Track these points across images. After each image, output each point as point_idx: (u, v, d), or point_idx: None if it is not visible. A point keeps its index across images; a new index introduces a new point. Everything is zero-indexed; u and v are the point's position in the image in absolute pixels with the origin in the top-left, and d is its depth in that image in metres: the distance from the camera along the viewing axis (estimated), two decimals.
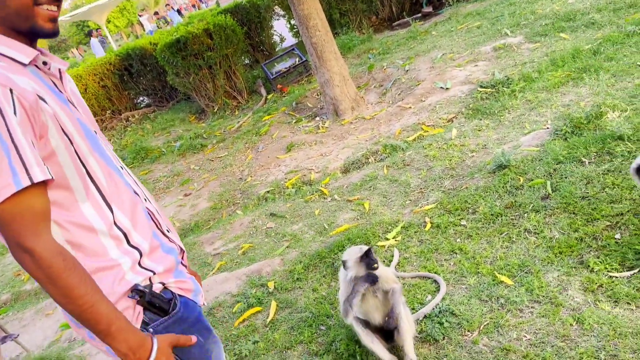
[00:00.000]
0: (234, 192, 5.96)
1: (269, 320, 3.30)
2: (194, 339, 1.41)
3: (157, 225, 1.50)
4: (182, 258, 1.60)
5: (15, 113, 1.15)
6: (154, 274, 1.41)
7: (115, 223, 1.36)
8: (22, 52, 1.27)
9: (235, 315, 3.50)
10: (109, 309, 1.22)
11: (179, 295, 1.46)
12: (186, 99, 10.89)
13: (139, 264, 1.39)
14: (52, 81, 1.36)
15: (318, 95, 7.67)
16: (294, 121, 7.25)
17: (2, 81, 1.16)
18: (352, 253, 2.55)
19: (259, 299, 3.53)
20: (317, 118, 7.04)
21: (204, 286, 3.83)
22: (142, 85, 11.45)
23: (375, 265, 2.49)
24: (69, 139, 1.28)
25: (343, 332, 2.87)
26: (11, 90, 1.16)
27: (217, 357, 1.55)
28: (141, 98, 12.16)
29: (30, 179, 1.15)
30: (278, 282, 3.65)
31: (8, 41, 1.26)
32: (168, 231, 1.56)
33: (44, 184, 1.20)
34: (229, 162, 6.86)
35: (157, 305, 1.37)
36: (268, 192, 5.47)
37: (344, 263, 2.54)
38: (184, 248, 1.62)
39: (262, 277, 3.77)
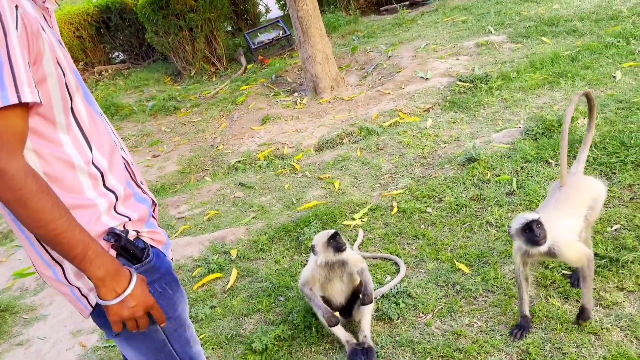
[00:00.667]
0: (204, 158, 5.90)
1: (228, 286, 3.31)
2: (163, 323, 1.40)
3: (131, 176, 1.49)
4: (154, 211, 1.59)
5: (17, 27, 1.11)
6: (129, 220, 1.40)
7: (93, 162, 1.33)
8: None
9: (194, 279, 3.50)
10: (84, 234, 1.20)
11: (151, 245, 1.45)
12: (163, 59, 10.64)
13: (115, 208, 1.37)
14: (44, 17, 1.33)
15: (299, 71, 7.61)
16: (272, 94, 7.19)
17: None
18: (320, 238, 2.58)
19: (220, 265, 3.53)
20: (296, 94, 7.00)
21: None
22: (119, 41, 11.12)
23: (343, 247, 2.53)
24: (62, 71, 1.26)
25: (301, 304, 2.91)
26: (17, 7, 1.13)
27: (183, 310, 1.55)
28: (116, 53, 11.81)
29: (19, 97, 1.10)
30: (241, 251, 3.65)
31: None
32: (142, 183, 1.55)
33: (27, 106, 1.17)
34: (201, 128, 6.77)
35: (131, 251, 1.36)
36: (239, 161, 5.44)
37: (312, 248, 2.56)
38: (156, 201, 1.61)
39: (226, 245, 3.77)
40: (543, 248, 2.26)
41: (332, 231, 2.55)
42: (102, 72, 10.84)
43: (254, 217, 4.13)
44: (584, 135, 2.69)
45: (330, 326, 2.56)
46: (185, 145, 6.42)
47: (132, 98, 8.80)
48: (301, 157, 5.11)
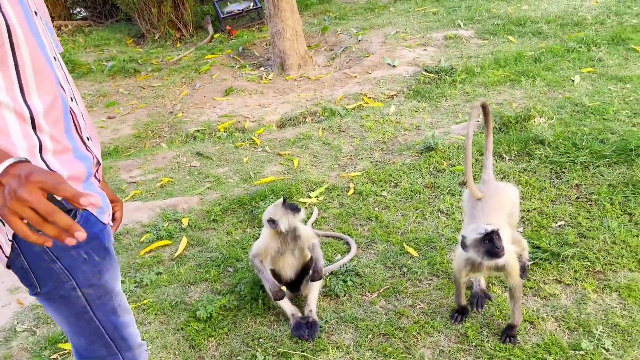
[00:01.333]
0: (161, 124, 5.75)
1: (176, 254, 3.26)
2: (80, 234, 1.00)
3: (77, 129, 1.41)
4: (97, 171, 1.52)
5: None
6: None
7: (25, 99, 1.24)
8: None
9: (142, 244, 3.42)
10: None
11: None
12: (127, 19, 10.25)
13: (42, 158, 1.27)
14: None
15: (267, 46, 7.50)
16: (238, 66, 7.06)
17: None
18: (275, 207, 2.57)
19: (170, 232, 3.47)
20: (262, 68, 6.89)
21: None
22: None
23: (298, 207, 2.53)
24: (5, 19, 1.17)
25: (249, 275, 2.89)
26: None
27: (111, 278, 1.49)
28: (78, 9, 11.30)
29: None
30: (193, 220, 3.60)
31: None
32: (88, 139, 1.46)
33: None
34: (161, 94, 6.58)
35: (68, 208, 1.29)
36: (198, 131, 5.33)
37: (270, 219, 2.54)
38: (101, 161, 1.52)
39: (177, 213, 3.70)
40: (501, 261, 2.19)
41: (280, 199, 2.58)
42: (62, 27, 10.36)
43: (208, 188, 4.07)
44: (484, 143, 2.66)
45: (276, 299, 2.56)
46: (143, 109, 6.23)
47: (91, 57, 8.46)
48: (262, 132, 5.05)
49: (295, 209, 2.54)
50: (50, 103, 1.30)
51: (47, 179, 0.96)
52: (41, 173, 0.97)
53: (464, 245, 2.21)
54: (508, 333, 2.35)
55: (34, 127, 1.26)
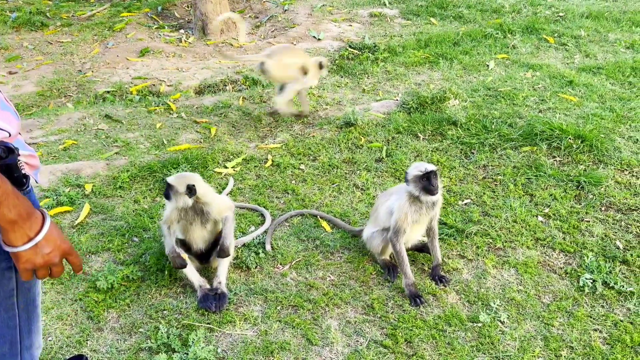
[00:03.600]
0: (68, 83, 5.34)
1: (77, 222, 3.05)
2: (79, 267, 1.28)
3: None
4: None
5: None
6: (9, 135, 1.15)
7: None
8: None
9: None
10: None
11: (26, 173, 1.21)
12: None
13: None
14: None
15: (188, 8, 7.15)
16: (156, 27, 6.68)
17: None
18: (177, 182, 2.44)
19: (71, 199, 3.24)
20: (182, 31, 6.57)
21: None
22: None
23: (193, 193, 2.42)
24: None
25: (156, 246, 2.77)
26: None
27: None
28: None
29: None
30: (97, 187, 3.38)
31: None
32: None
33: None
34: (70, 50, 6.10)
35: (15, 175, 1.12)
36: (108, 92, 5.01)
37: (165, 192, 2.43)
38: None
39: (81, 178, 3.46)
40: (434, 198, 2.46)
41: (189, 179, 2.46)
42: None
43: (116, 153, 3.84)
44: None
45: (175, 268, 2.49)
46: (48, 65, 5.75)
47: None
48: (179, 97, 4.83)
49: (191, 193, 2.41)
50: None
51: (71, 252, 1.22)
52: (66, 245, 1.20)
53: (406, 180, 2.50)
54: (437, 274, 2.59)
55: None
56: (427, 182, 2.42)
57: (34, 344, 1.45)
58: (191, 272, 2.52)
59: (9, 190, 1.05)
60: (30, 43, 6.42)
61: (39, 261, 1.13)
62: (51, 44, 6.38)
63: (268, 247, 2.81)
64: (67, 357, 2.13)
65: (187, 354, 2.14)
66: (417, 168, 2.47)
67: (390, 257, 2.71)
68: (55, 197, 3.23)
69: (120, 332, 2.32)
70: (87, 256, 2.79)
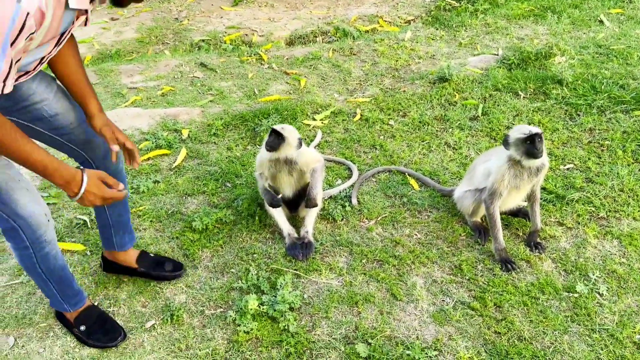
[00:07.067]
0: (166, 30, 5.51)
1: (175, 165, 3.20)
2: (121, 186, 1.70)
3: None
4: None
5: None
6: None
7: None
8: None
9: (140, 152, 3.35)
10: (42, 156, 1.52)
11: None
12: None
13: None
14: None
15: None
16: None
17: None
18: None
19: (169, 142, 3.39)
20: None
21: (113, 116, 3.61)
22: None
23: (275, 147, 2.45)
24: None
25: (248, 192, 2.85)
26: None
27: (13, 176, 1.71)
28: None
29: None
30: (193, 132, 3.51)
31: None
32: None
33: None
34: None
35: None
36: (203, 40, 5.12)
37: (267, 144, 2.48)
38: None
39: (178, 123, 3.61)
40: (537, 162, 2.33)
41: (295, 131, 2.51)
42: None
43: (211, 101, 3.95)
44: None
45: (271, 206, 2.54)
46: (147, 13, 5.96)
47: None
48: (270, 47, 4.85)
49: (272, 148, 2.45)
50: None
51: (108, 198, 1.68)
52: (105, 193, 1.66)
53: (506, 143, 2.35)
54: (533, 240, 2.47)
55: None
56: (530, 146, 2.27)
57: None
58: (281, 219, 2.58)
59: (55, 166, 1.54)
60: None
61: (88, 204, 1.66)
62: None
63: (354, 201, 2.81)
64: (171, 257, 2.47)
65: (275, 296, 2.21)
66: (519, 130, 2.32)
67: (481, 219, 2.62)
68: (154, 140, 3.39)
69: (213, 270, 2.44)
70: (184, 197, 2.93)
